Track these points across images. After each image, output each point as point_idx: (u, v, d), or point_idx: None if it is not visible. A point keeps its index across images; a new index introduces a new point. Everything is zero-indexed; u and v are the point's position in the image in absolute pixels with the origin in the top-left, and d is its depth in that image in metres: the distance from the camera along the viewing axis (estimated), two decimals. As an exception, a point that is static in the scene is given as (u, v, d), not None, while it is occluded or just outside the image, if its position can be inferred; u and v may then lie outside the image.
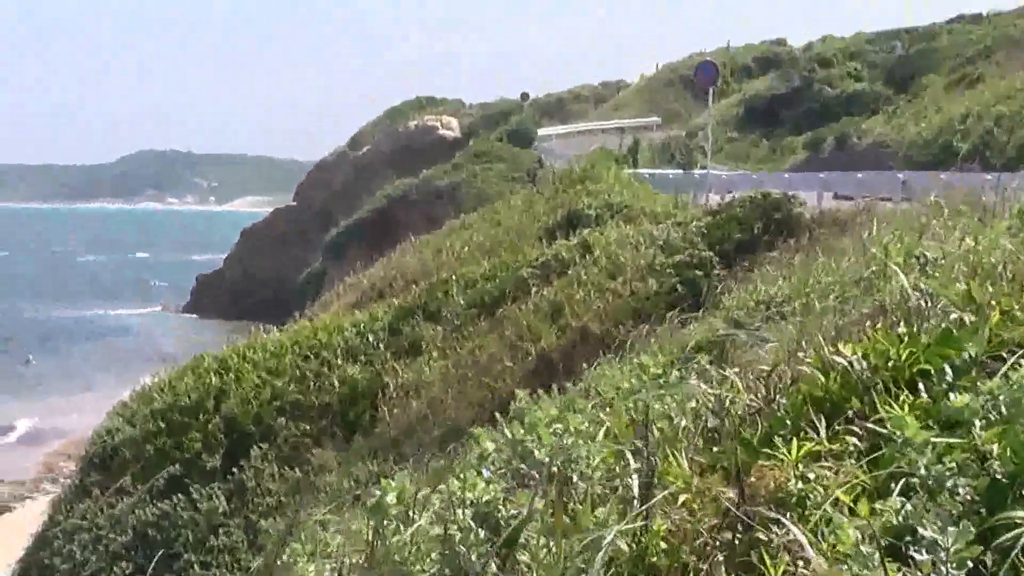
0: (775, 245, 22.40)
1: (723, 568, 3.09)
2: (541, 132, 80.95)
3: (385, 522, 3.81)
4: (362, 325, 24.87)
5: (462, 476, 3.88)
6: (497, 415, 14.80)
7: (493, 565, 3.45)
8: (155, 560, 21.20)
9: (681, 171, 47.61)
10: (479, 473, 3.97)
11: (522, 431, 3.94)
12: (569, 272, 24.27)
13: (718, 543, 3.16)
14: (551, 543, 3.38)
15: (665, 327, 15.45)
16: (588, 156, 48.76)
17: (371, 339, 24.32)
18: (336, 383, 23.45)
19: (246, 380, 23.79)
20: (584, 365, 14.23)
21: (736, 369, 3.92)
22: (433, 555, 3.64)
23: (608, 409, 4.08)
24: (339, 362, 23.88)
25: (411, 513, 3.86)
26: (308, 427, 22.98)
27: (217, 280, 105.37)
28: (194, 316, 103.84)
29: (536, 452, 3.77)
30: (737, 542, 3.15)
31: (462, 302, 24.52)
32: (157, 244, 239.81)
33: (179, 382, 24.71)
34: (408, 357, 23.82)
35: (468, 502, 3.73)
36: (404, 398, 22.74)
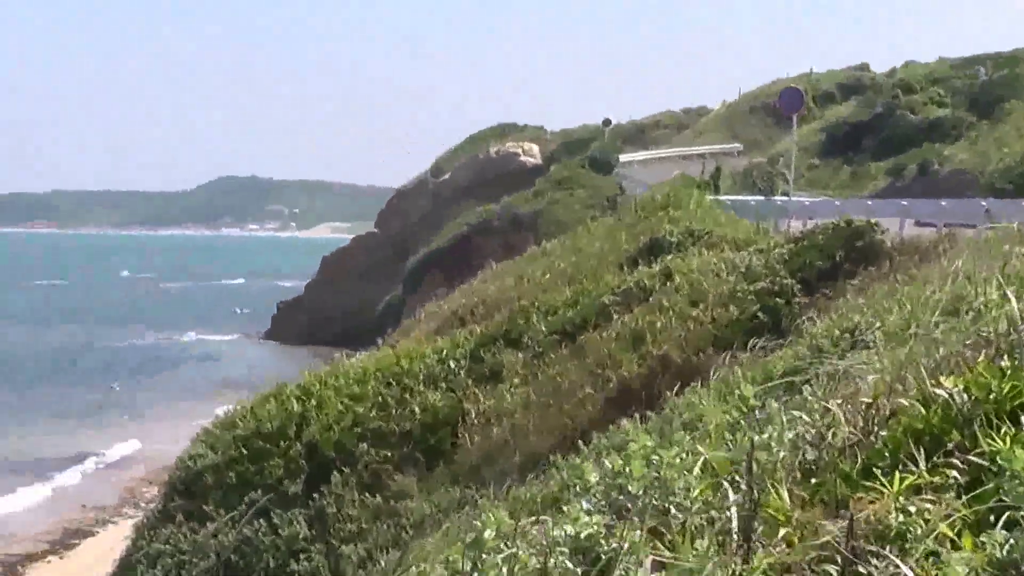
0: (856, 273, 22.22)
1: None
2: (622, 158, 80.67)
3: (483, 555, 3.80)
4: (443, 352, 24.88)
5: (564, 509, 3.86)
6: (580, 443, 14.80)
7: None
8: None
9: (762, 198, 47.35)
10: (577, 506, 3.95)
11: (620, 463, 3.91)
12: (650, 299, 24.18)
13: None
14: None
15: (747, 355, 15.36)
16: (670, 183, 48.64)
17: (452, 366, 24.32)
18: (417, 410, 23.46)
19: (328, 406, 23.88)
20: (668, 393, 14.14)
21: (839, 400, 3.87)
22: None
23: (707, 441, 4.04)
24: (421, 388, 23.90)
25: (509, 545, 3.85)
26: (389, 453, 23.00)
27: (297, 307, 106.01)
28: (274, 343, 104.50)
29: (631, 485, 3.74)
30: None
31: (543, 329, 24.49)
32: (238, 271, 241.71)
33: (261, 409, 24.83)
34: (489, 384, 23.81)
35: (567, 535, 3.71)
36: (485, 425, 22.72)
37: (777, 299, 22.28)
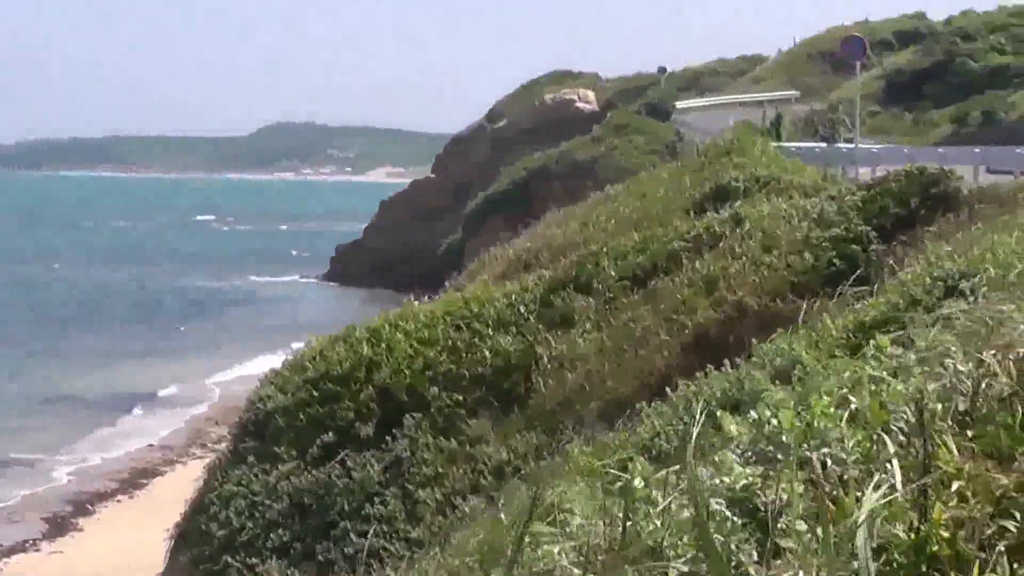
0: (933, 220, 22.04)
1: (1006, 559, 3.02)
2: (679, 105, 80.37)
3: (634, 505, 3.78)
4: (513, 296, 24.81)
5: (716, 459, 3.84)
6: (667, 390, 14.74)
7: (754, 552, 3.41)
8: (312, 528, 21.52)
9: (824, 145, 47.02)
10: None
11: (768, 413, 3.88)
12: (721, 245, 24.05)
13: (998, 533, 3.09)
14: (816, 529, 3.33)
15: (832, 302, 15.25)
16: (733, 129, 48.33)
17: (522, 310, 24.26)
18: (488, 354, 23.42)
19: (398, 350, 23.88)
20: (753, 340, 14.03)
21: (992, 352, 3.83)
22: (684, 539, 3.61)
23: (852, 391, 4.00)
24: (491, 333, 23.84)
25: (659, 496, 3.84)
26: (462, 397, 23.01)
27: (356, 250, 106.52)
28: (334, 285, 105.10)
29: (784, 435, 3.71)
30: (1015, 531, 3.09)
31: (613, 274, 24.39)
32: (296, 214, 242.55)
33: (331, 351, 24.84)
34: (560, 329, 23.74)
35: (724, 485, 3.69)
36: (558, 370, 22.68)
37: (853, 246, 22.13)
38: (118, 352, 69.80)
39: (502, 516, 12.53)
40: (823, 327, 13.10)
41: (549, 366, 22.60)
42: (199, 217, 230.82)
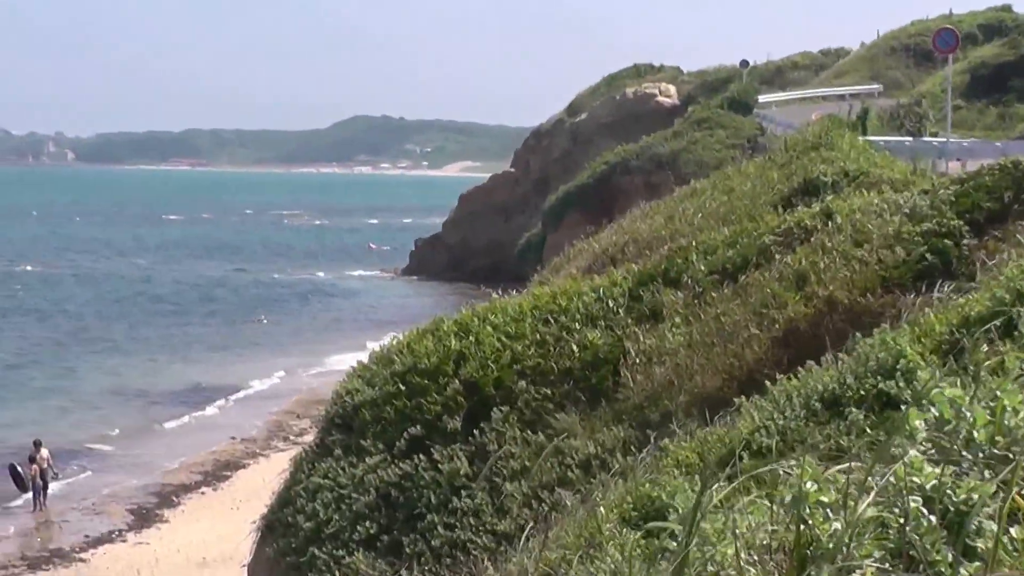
0: (1025, 215, 21.66)
1: None
2: (760, 99, 79.78)
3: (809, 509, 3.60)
4: (601, 290, 24.60)
5: (909, 460, 3.65)
6: (767, 384, 14.52)
7: (948, 553, 3.24)
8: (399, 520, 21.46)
9: (911, 138, 46.44)
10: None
11: (948, 410, 3.68)
12: (812, 240, 23.74)
13: None
14: (1010, 530, 3.15)
15: (923, 298, 14.98)
16: (818, 122, 47.89)
17: (611, 304, 24.03)
18: (576, 348, 23.22)
19: (486, 343, 23.72)
20: (857, 334, 13.74)
21: None
22: (866, 542, 3.43)
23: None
24: (579, 327, 23.64)
25: (841, 499, 3.65)
26: (549, 391, 22.81)
27: (436, 244, 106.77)
28: (413, 279, 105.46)
29: (977, 434, 3.52)
30: None
31: (703, 268, 24.15)
32: (373, 208, 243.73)
33: (418, 344, 24.72)
34: (649, 323, 23.50)
35: (915, 487, 3.50)
36: (647, 364, 22.45)
37: (945, 240, 21.74)
38: (200, 345, 70.49)
39: (600, 510, 12.40)
40: (926, 322, 12.85)
41: (637, 360, 22.38)
42: (275, 211, 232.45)
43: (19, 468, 39.16)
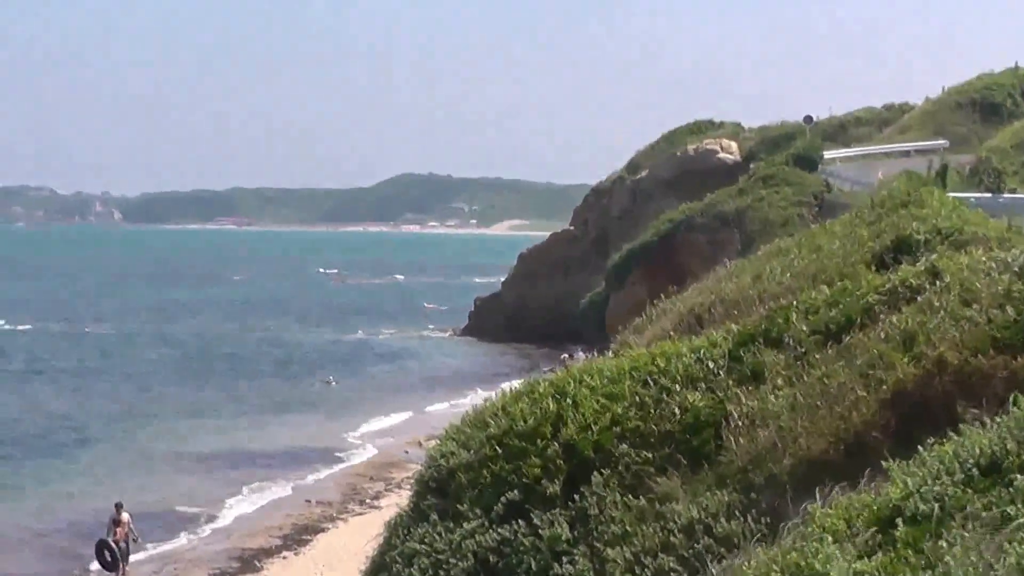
0: None
1: None
2: (826, 155, 79.41)
3: None
4: (701, 351, 24.25)
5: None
6: (919, 448, 14.09)
7: None
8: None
9: (1003, 195, 45.93)
10: None
11: None
12: (919, 299, 23.32)
13: None
14: None
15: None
16: (890, 180, 47.55)
17: (711, 365, 23.65)
18: (677, 410, 22.84)
19: (584, 405, 23.40)
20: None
21: None
22: None
23: None
24: (679, 388, 23.26)
25: None
26: (650, 455, 22.40)
27: (494, 303, 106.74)
28: (471, 339, 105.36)
29: None
30: None
31: (804, 328, 23.76)
32: (423, 268, 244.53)
33: (514, 406, 24.40)
34: (750, 384, 23.10)
35: None
36: (750, 427, 22.03)
37: (1056, 299, 21.31)
38: (263, 407, 70.49)
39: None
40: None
41: (740, 423, 21.99)
42: (324, 270, 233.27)
43: (111, 543, 38.26)
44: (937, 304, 22.48)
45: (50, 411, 68.80)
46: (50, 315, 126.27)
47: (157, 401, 72.46)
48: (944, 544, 10.94)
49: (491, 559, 21.97)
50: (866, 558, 11.59)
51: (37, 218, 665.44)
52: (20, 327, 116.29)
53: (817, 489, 15.09)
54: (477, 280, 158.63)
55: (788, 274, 31.31)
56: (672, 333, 30.18)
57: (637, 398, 23.48)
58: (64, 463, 55.07)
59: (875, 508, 12.60)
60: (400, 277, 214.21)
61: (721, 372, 23.58)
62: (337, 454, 57.07)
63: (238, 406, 70.95)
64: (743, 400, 22.58)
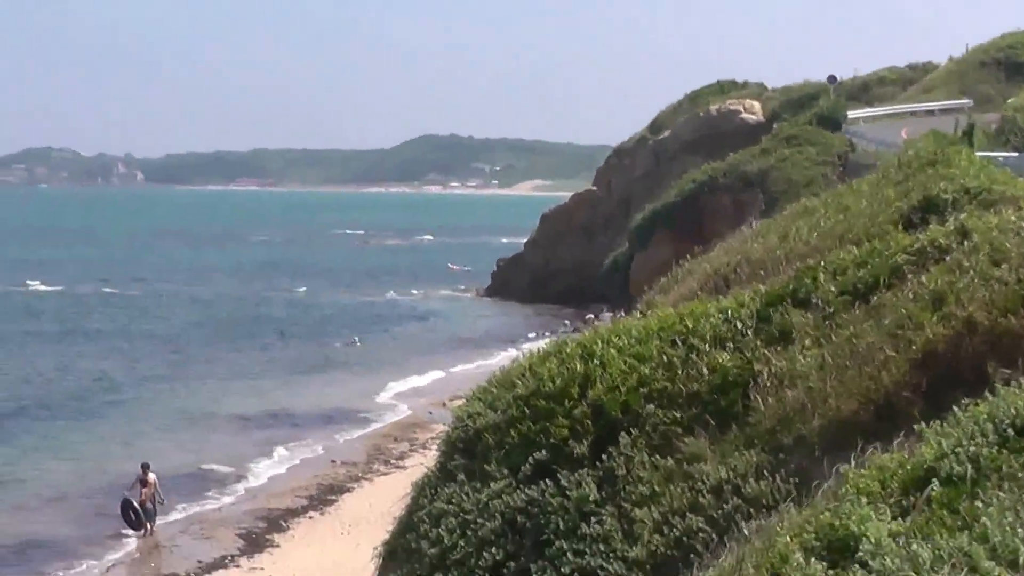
0: None
1: None
2: (850, 115, 78.92)
3: None
4: (729, 311, 24.15)
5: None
6: (954, 408, 14.05)
7: None
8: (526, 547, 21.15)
9: (1019, 154, 45.52)
10: None
11: None
12: (947, 259, 23.18)
13: None
14: None
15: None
16: (916, 139, 47.18)
17: (739, 326, 23.55)
18: (705, 370, 22.78)
19: (612, 366, 23.34)
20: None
21: None
22: None
23: None
24: (707, 349, 23.18)
25: None
26: (677, 415, 22.34)
27: (517, 264, 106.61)
28: (495, 299, 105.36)
29: None
30: None
31: (833, 289, 23.66)
32: (446, 228, 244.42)
33: (541, 367, 24.32)
34: (778, 345, 23.00)
35: None
36: (778, 387, 21.95)
37: (1088, 258, 21.22)
38: (289, 368, 70.58)
39: (785, 539, 12.04)
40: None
41: (768, 383, 21.93)
42: (347, 231, 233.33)
43: (135, 504, 38.55)
44: (966, 264, 22.36)
45: (83, 371, 68.90)
46: (83, 276, 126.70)
47: (188, 362, 72.51)
48: (980, 504, 10.93)
49: (519, 519, 21.99)
50: (901, 519, 11.58)
51: (61, 179, 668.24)
52: (53, 287, 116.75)
53: (850, 450, 15.02)
54: (503, 240, 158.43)
55: (815, 234, 31.14)
56: (699, 293, 30.16)
57: (665, 358, 23.40)
58: (96, 423, 55.31)
59: (909, 469, 12.57)
60: (429, 237, 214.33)
61: (749, 332, 23.49)
62: (367, 415, 57.02)
63: (270, 367, 70.97)
64: (771, 360, 22.52)
